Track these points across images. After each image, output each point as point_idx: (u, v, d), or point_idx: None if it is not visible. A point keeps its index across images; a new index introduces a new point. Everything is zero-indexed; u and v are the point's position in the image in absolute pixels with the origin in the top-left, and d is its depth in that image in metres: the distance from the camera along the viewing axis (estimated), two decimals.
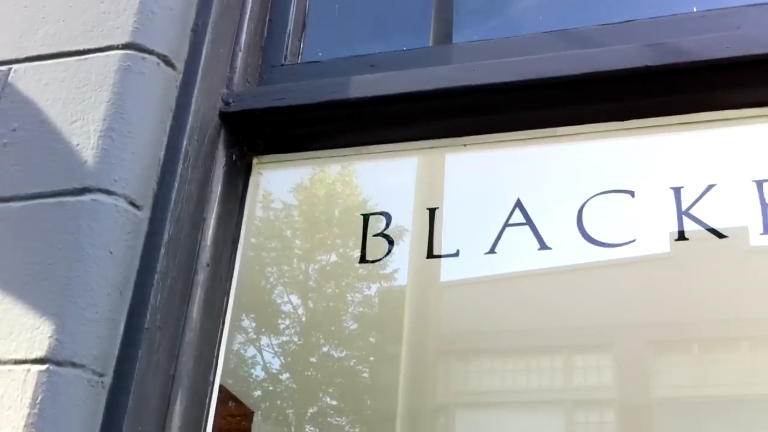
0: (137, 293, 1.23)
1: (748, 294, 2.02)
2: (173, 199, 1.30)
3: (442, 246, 1.56)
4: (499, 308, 2.19)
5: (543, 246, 1.38)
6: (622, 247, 1.48)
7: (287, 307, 2.44)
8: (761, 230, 2.07)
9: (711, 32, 1.30)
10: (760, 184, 2.04)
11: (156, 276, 1.24)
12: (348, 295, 2.43)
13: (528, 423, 2.06)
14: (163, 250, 1.25)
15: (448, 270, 2.19)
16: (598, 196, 1.52)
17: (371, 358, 2.38)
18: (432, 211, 1.49)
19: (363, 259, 1.49)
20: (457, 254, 1.52)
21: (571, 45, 1.38)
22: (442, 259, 2.01)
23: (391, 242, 1.47)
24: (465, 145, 1.44)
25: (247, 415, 2.12)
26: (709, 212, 1.40)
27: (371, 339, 2.38)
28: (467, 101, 1.36)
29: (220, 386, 1.33)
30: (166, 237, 1.27)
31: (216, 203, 1.36)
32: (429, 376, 2.15)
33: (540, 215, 1.46)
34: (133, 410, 1.14)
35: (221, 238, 1.35)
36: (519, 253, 1.45)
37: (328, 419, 2.33)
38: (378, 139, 1.44)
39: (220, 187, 1.37)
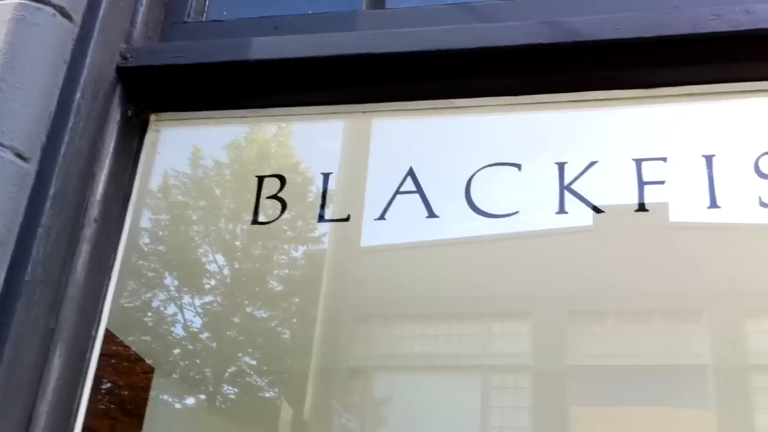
0: (19, 246, 1.23)
1: (664, 269, 2.09)
2: (62, 152, 1.30)
3: (334, 211, 1.60)
4: (422, 275, 2.23)
5: (431, 214, 1.42)
6: (506, 218, 1.53)
7: (212, 267, 2.46)
8: (681, 207, 2.16)
9: (604, 13, 1.33)
10: (666, 160, 2.11)
11: (40, 229, 1.24)
12: (274, 256, 2.46)
13: (445, 386, 2.13)
14: (48, 203, 1.25)
15: (370, 235, 2.23)
16: (488, 168, 1.56)
17: (294, 320, 2.41)
18: (326, 176, 1.51)
19: (255, 221, 1.52)
20: (347, 219, 1.56)
21: (474, 19, 1.40)
22: (365, 224, 2.05)
23: (284, 205, 1.50)
24: (364, 113, 1.47)
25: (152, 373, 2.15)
26: (595, 188, 1.46)
27: (295, 300, 2.42)
28: (366, 69, 1.38)
29: (125, 344, 1.36)
30: (52, 190, 1.27)
31: (108, 159, 1.36)
32: (345, 339, 2.19)
33: (431, 184, 1.49)
34: (9, 361, 1.16)
35: (112, 194, 1.36)
36: (408, 220, 1.49)
37: (247, 379, 2.36)
38: (277, 103, 1.46)
39: (113, 143, 1.37)
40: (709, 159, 1.37)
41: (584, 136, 1.52)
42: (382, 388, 2.11)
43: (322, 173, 1.50)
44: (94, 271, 1.30)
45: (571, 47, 1.26)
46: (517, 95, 1.37)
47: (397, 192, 1.42)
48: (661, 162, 1.71)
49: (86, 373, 1.23)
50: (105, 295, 1.30)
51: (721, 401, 1.90)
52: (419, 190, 1.39)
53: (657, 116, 1.49)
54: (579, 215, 1.94)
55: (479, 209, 1.44)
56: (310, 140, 1.98)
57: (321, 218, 1.53)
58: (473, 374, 2.13)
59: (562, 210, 1.45)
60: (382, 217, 1.42)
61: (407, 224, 1.82)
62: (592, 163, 1.42)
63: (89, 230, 1.29)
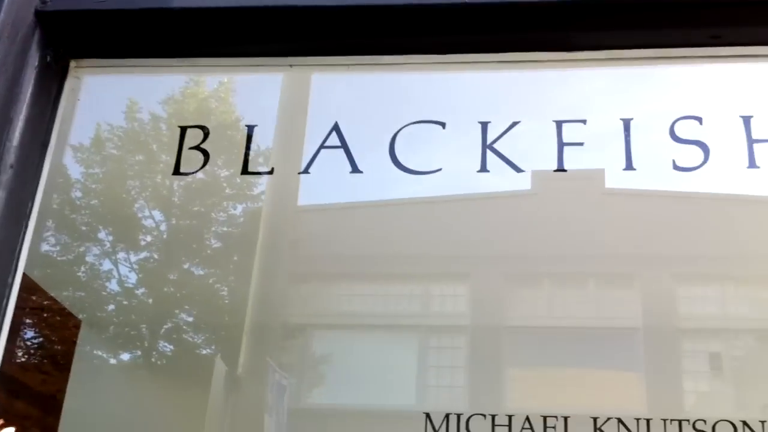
0: None
1: (599, 233, 2.14)
2: None
3: (259, 163, 1.61)
4: (361, 235, 2.25)
5: (355, 169, 1.43)
6: (428, 175, 1.56)
7: (149, 223, 2.45)
8: (619, 172, 2.21)
9: None
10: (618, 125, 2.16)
11: None
12: (212, 213, 2.45)
13: (383, 346, 2.17)
14: None
15: (308, 194, 2.24)
16: (412, 125, 1.58)
17: (231, 277, 2.42)
18: (251, 129, 1.51)
19: (177, 171, 1.52)
20: (271, 172, 1.58)
21: None
22: (298, 181, 2.06)
23: (207, 157, 1.49)
24: (291, 66, 1.46)
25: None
26: (517, 150, 1.49)
27: (233, 257, 2.42)
28: (291, 21, 1.37)
29: (51, 296, 1.36)
30: None
31: (25, 104, 1.34)
32: (282, 296, 2.21)
33: (355, 140, 1.51)
34: None
35: (29, 140, 1.34)
36: (331, 175, 1.51)
37: (183, 335, 2.38)
38: (202, 53, 1.44)
39: (31, 88, 1.34)
40: (627, 122, 1.41)
41: (508, 97, 1.55)
42: (321, 347, 2.14)
43: (246, 125, 1.50)
44: (10, 218, 1.29)
45: (497, 7, 1.28)
46: (443, 54, 1.38)
47: (322, 146, 1.42)
48: (581, 124, 1.75)
49: (2, 321, 1.23)
50: (22, 243, 1.29)
51: (650, 363, 1.97)
52: (344, 145, 1.40)
53: (577, 79, 1.52)
54: (501, 175, 1.99)
55: (404, 166, 1.46)
56: (248, 95, 1.97)
57: (245, 170, 1.54)
58: (411, 334, 2.17)
59: (483, 169, 1.48)
60: (306, 171, 1.42)
61: (332, 179, 1.84)
62: (515, 123, 1.45)
63: (5, 176, 1.28)
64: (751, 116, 1.91)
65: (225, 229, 2.42)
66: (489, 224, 2.17)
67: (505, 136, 2.13)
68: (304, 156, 1.78)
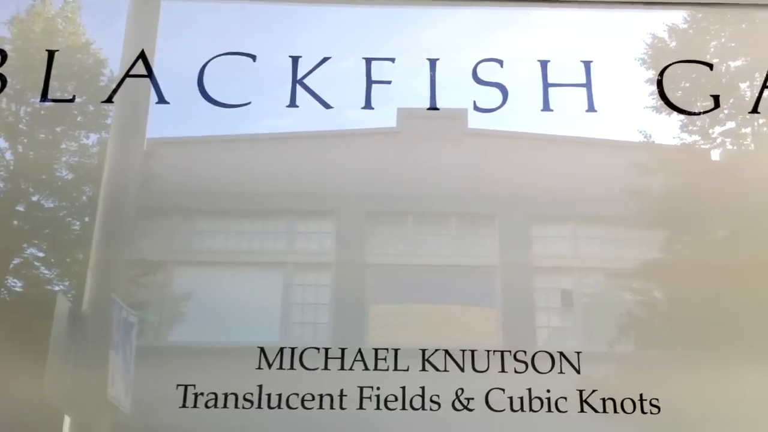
0: None
1: (460, 173, 2.20)
2: None
3: (57, 89, 1.54)
4: (224, 170, 2.21)
5: (161, 100, 1.41)
6: (239, 108, 1.57)
7: None
8: (481, 113, 2.25)
9: None
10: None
11: None
12: (63, 143, 2.33)
13: (246, 283, 2.15)
14: None
15: (164, 126, 2.17)
16: (222, 57, 1.57)
17: (84, 211, 2.33)
18: (51, 54, 1.44)
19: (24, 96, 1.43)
20: (72, 100, 1.52)
21: None
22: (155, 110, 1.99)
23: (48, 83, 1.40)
24: None
25: None
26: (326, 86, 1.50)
27: (85, 189, 2.33)
28: None
29: None
30: None
31: None
32: (137, 232, 2.15)
33: (163, 69, 1.48)
34: None
35: None
36: (136, 103, 1.48)
37: (33, 271, 2.27)
38: None
39: None
40: (491, 62, 1.42)
41: (317, 30, 1.53)
42: (181, 284, 2.09)
43: (47, 50, 1.42)
44: None
45: None
46: None
47: (127, 75, 1.37)
48: (447, 63, 1.77)
49: None
50: None
51: (506, 300, 2.06)
52: (150, 74, 1.35)
53: (441, 17, 1.52)
54: (366, 112, 1.99)
55: (212, 99, 1.44)
56: (96, 18, 1.86)
57: (44, 97, 1.45)
58: (275, 271, 2.16)
59: (293, 104, 1.48)
60: (109, 100, 1.36)
61: (187, 111, 1.78)
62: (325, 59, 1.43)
63: None
64: (591, 61, 2.00)
65: (76, 159, 2.31)
66: (354, 161, 2.17)
67: (371, 73, 2.14)
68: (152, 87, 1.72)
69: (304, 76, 1.86)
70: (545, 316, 2.08)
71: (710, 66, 2.21)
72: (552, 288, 2.11)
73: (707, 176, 2.22)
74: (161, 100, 2.03)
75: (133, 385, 1.77)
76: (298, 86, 1.86)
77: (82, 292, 1.95)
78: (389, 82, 1.97)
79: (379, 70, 2.18)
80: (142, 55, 1.67)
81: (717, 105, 2.10)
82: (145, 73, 1.96)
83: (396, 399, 1.69)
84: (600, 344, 1.98)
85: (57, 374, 1.85)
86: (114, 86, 2.06)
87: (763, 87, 2.17)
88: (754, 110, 2.13)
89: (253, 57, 1.99)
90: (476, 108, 2.12)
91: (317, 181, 2.15)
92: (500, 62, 2.02)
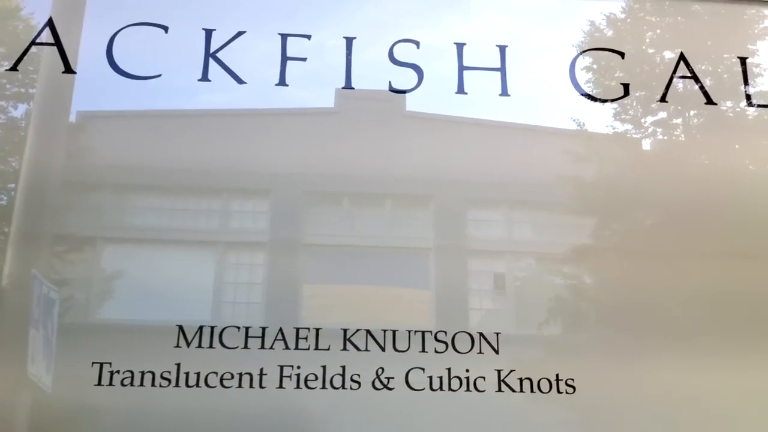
0: None
1: (397, 155, 2.21)
2: None
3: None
4: (156, 145, 2.18)
5: (68, 70, 1.39)
6: (150, 80, 1.56)
7: None
8: (420, 96, 2.27)
9: None
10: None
11: None
12: None
13: (179, 261, 2.13)
14: None
15: (95, 99, 2.12)
16: (132, 27, 1.56)
17: (10, 185, 2.28)
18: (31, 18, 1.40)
19: None
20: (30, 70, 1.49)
21: None
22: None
23: None
24: None
25: None
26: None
27: (10, 161, 2.28)
28: None
29: None
30: None
31: None
32: (64, 206, 2.11)
33: (70, 37, 1.46)
34: None
35: None
36: (56, 74, 1.46)
37: None
38: None
39: None
40: (431, 47, 1.42)
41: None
42: (112, 261, 2.07)
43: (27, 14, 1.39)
44: None
45: None
46: None
47: (33, 43, 1.34)
48: (384, 45, 1.77)
49: None
50: None
51: (440, 282, 2.09)
52: (57, 42, 1.31)
53: None
54: (306, 92, 1.98)
55: (120, 69, 1.42)
56: None
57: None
58: (209, 250, 2.15)
59: (204, 78, 1.46)
60: (14, 69, 1.34)
61: (109, 85, 1.75)
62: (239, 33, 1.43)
63: None
64: (506, 46, 2.02)
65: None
66: (291, 140, 2.17)
67: (308, 52, 2.13)
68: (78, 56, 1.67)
69: (217, 51, 1.85)
70: (477, 299, 2.12)
71: (622, 55, 2.27)
72: (484, 271, 2.16)
73: (637, 165, 2.29)
74: (68, 70, 1.97)
75: (54, 362, 1.75)
76: (210, 60, 1.85)
77: (2, 266, 1.91)
78: (305, 59, 1.96)
79: (315, 50, 2.18)
80: (50, 23, 1.63)
81: (627, 93, 2.16)
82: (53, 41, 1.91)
83: (316, 378, 1.72)
84: (525, 326, 2.03)
85: None
86: (19, 56, 2.00)
87: (695, 78, 2.25)
88: (663, 99, 2.20)
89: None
90: (415, 91, 2.14)
91: (253, 159, 2.14)
92: (432, 46, 2.03)
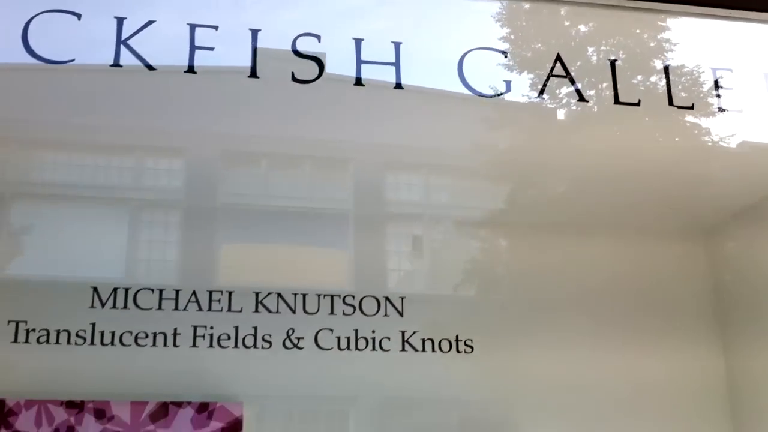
0: None
1: (318, 117, 2.39)
2: None
3: None
4: (67, 99, 2.29)
5: None
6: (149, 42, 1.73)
7: None
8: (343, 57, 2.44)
9: None
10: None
11: None
12: None
13: (91, 219, 2.26)
14: None
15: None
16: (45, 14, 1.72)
17: None
18: None
19: None
20: None
21: None
22: None
23: None
24: None
25: None
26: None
27: None
28: None
29: None
30: None
31: None
32: None
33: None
34: None
35: None
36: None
37: None
38: None
39: None
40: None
41: None
42: (21, 218, 2.19)
43: None
44: None
45: None
46: None
47: None
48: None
49: None
50: None
51: (359, 244, 2.30)
52: None
53: None
54: (227, 51, 2.14)
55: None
56: None
57: None
58: (121, 208, 2.28)
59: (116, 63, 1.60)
60: None
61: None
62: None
63: None
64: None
65: None
66: (209, 99, 2.31)
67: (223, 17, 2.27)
68: None
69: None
70: (395, 260, 2.35)
71: None
72: (402, 233, 2.38)
73: (551, 134, 2.54)
74: None
75: None
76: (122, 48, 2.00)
77: None
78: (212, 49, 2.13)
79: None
80: None
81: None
82: None
83: (229, 338, 1.91)
84: (435, 288, 2.27)
85: None
86: None
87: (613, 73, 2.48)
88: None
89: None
90: (338, 53, 2.31)
91: (169, 117, 2.27)
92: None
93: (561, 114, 2.53)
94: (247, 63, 2.29)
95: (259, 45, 2.30)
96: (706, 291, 2.37)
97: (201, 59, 2.07)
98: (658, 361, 2.14)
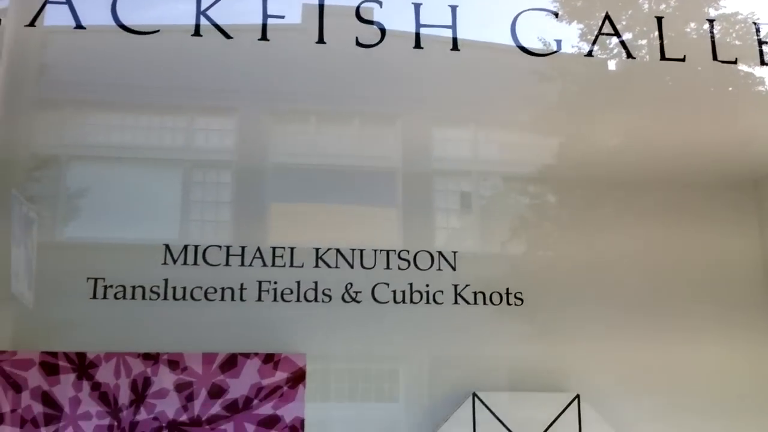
0: None
1: (364, 73, 2.52)
2: None
3: None
4: (119, 62, 2.45)
5: None
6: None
7: None
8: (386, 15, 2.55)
9: None
10: None
11: None
12: None
13: (144, 180, 2.43)
14: None
15: (53, 14, 2.38)
16: None
17: None
18: None
19: None
20: None
21: None
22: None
23: None
24: None
25: None
26: None
27: None
28: None
29: None
30: None
31: None
32: (28, 126, 2.39)
33: None
34: None
35: None
36: None
37: None
38: None
39: None
40: None
41: None
42: (77, 179, 2.36)
43: None
44: None
45: None
46: None
47: None
48: None
49: None
50: None
51: (407, 201, 2.44)
52: None
53: None
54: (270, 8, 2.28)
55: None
56: None
57: None
58: (174, 168, 2.45)
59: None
60: None
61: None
62: None
63: None
64: None
65: None
66: (257, 58, 2.45)
67: None
68: None
69: None
70: (444, 217, 2.50)
71: None
72: (451, 190, 2.52)
73: (601, 86, 2.64)
74: None
75: (42, 278, 2.10)
76: None
77: None
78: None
79: None
80: None
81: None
82: None
83: (291, 292, 2.11)
84: (486, 245, 2.42)
85: None
86: None
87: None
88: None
89: None
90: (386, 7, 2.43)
91: (219, 76, 2.35)
92: None
93: (611, 66, 2.63)
94: (297, 21, 2.43)
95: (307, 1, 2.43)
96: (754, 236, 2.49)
97: (249, 18, 2.19)
98: (711, 306, 2.29)
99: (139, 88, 2.30)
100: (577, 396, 2.05)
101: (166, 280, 2.02)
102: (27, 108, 2.26)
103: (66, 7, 2.24)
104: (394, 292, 2.10)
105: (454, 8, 2.35)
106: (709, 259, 2.30)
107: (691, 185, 2.38)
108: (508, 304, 2.13)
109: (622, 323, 2.21)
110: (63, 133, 2.28)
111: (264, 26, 2.25)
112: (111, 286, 2.00)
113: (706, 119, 2.45)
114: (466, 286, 2.13)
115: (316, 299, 2.06)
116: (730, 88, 2.55)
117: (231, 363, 1.95)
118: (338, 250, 2.10)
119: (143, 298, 1.99)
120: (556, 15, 2.44)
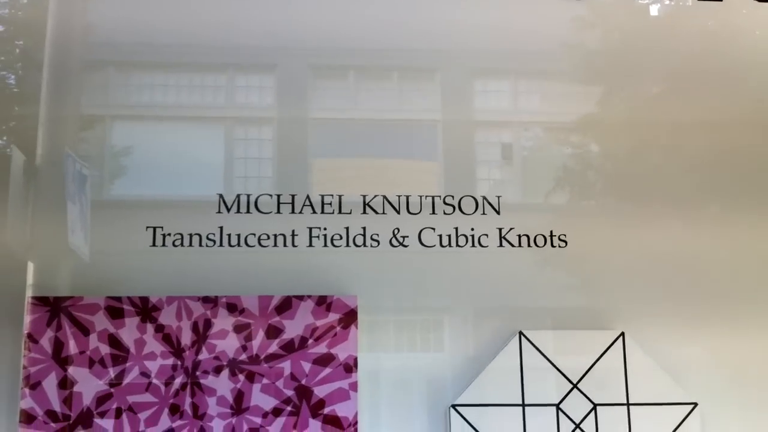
0: None
1: (402, 26, 2.68)
2: None
3: None
4: (163, 21, 2.65)
5: None
6: None
7: None
8: None
9: None
10: None
11: None
12: None
13: (187, 138, 2.59)
14: None
15: None
16: None
17: (18, 65, 2.76)
18: None
19: None
20: None
21: None
22: None
23: None
24: None
25: None
26: None
27: (19, 43, 2.75)
28: None
29: None
30: None
31: None
32: (76, 86, 2.60)
33: None
34: None
35: None
36: None
37: None
38: None
39: None
40: None
41: None
42: (121, 138, 2.49)
43: None
44: None
45: None
46: None
47: None
48: None
49: None
50: None
51: (448, 154, 2.61)
52: None
53: None
54: None
55: None
56: None
57: None
58: (216, 126, 2.63)
59: None
60: None
61: None
62: None
63: None
64: None
65: (7, 11, 2.71)
66: (295, 14, 2.62)
67: None
68: None
69: None
70: (485, 168, 2.67)
71: None
72: (492, 142, 2.70)
73: (644, 33, 2.77)
74: None
75: (101, 231, 2.36)
76: None
77: (35, 147, 2.46)
78: None
79: None
80: None
81: None
82: None
83: (341, 238, 2.32)
84: (529, 193, 2.61)
85: (18, 224, 2.40)
86: None
87: None
88: None
89: None
90: None
91: (258, 34, 2.51)
92: None
93: (653, 10, 2.78)
94: None
95: None
96: None
97: None
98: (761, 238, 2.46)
99: (178, 47, 2.50)
100: (622, 333, 2.26)
101: (221, 228, 2.26)
102: (74, 68, 2.48)
103: None
104: (440, 236, 2.32)
105: None
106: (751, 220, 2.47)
107: (740, 126, 2.53)
108: (552, 246, 2.35)
109: (665, 265, 2.40)
110: (107, 94, 2.50)
111: None
112: (169, 234, 2.23)
113: (750, 64, 2.60)
114: (511, 229, 2.35)
115: (364, 244, 2.30)
116: None
117: (286, 305, 2.16)
118: (385, 197, 2.31)
119: (200, 245, 2.24)
120: None
